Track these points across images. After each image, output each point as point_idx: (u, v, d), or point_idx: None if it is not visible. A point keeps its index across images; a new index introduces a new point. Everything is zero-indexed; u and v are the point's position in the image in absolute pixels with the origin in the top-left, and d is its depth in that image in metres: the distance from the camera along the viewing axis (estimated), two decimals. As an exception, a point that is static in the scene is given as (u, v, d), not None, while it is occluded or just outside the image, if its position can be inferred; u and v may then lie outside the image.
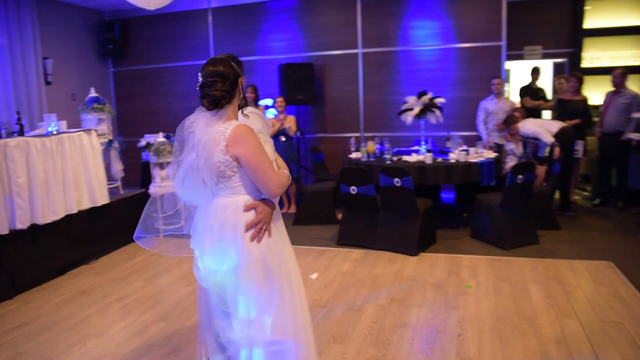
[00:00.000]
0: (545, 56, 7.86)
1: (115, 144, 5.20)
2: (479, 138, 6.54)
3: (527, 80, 7.34)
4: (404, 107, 5.82)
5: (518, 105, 6.72)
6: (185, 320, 3.52)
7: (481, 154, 5.52)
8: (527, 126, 5.54)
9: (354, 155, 6.04)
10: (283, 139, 6.30)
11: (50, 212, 4.35)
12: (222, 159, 1.99)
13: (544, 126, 5.43)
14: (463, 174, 5.19)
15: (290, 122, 6.36)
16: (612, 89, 6.18)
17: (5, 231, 4.01)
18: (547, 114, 7.43)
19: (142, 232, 2.31)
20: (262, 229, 2.04)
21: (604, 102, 6.23)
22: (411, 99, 5.81)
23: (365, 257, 4.73)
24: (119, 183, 5.47)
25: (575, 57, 7.59)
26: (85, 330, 3.44)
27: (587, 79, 6.84)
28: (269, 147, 2.14)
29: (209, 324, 2.19)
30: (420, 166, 5.18)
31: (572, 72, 6.54)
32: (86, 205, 4.77)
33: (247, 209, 2.04)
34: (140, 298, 3.96)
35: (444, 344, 3.05)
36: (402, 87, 7.14)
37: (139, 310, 3.73)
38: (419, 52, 7.09)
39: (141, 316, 3.61)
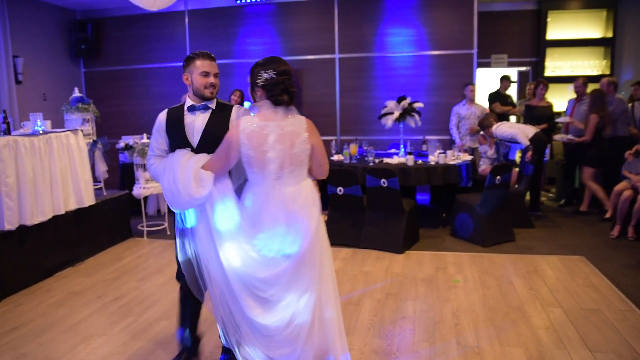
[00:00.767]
0: (511, 64, 8.31)
1: (100, 145, 5.13)
2: (452, 142, 6.84)
3: (494, 87, 7.72)
4: (384, 111, 6.01)
5: (488, 110, 7.07)
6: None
7: (458, 157, 5.78)
8: (504, 128, 5.83)
9: (335, 157, 6.18)
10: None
11: (39, 212, 4.26)
12: (304, 147, 2.28)
13: (521, 129, 5.74)
14: (443, 176, 5.43)
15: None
16: (573, 96, 6.62)
17: (-6, 232, 3.92)
18: (513, 119, 7.84)
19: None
20: None
21: (567, 109, 6.66)
22: (391, 104, 6.00)
23: (353, 255, 4.87)
24: (102, 184, 5.39)
25: (539, 65, 8.07)
26: (86, 330, 3.41)
27: (549, 87, 7.28)
28: None
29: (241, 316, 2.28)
30: (402, 168, 5.39)
31: (539, 79, 6.92)
32: (73, 206, 4.69)
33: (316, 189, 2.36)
34: (136, 298, 3.95)
35: (444, 333, 3.23)
36: (379, 92, 7.36)
37: (138, 309, 3.72)
38: (394, 59, 7.33)
39: (142, 315, 3.61)
